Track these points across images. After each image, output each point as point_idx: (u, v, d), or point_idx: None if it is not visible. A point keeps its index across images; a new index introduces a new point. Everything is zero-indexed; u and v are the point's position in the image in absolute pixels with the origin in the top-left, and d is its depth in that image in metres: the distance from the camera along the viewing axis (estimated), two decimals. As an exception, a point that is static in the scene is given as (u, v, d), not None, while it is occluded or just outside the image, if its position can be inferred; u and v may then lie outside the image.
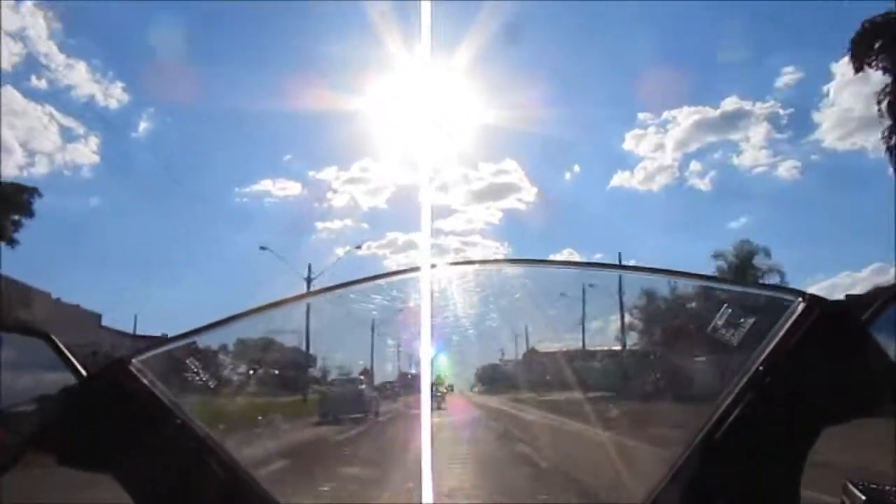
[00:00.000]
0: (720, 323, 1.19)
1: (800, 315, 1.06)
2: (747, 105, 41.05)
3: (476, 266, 1.48)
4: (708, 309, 1.27)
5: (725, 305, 1.20)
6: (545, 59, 54.47)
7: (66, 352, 1.18)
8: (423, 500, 1.16)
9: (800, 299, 1.08)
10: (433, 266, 1.36)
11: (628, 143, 46.56)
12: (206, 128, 54.36)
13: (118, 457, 1.10)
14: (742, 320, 1.16)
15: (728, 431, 1.06)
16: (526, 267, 1.55)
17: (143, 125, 44.43)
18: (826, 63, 42.47)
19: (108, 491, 1.13)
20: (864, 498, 1.09)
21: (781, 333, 1.07)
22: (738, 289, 1.26)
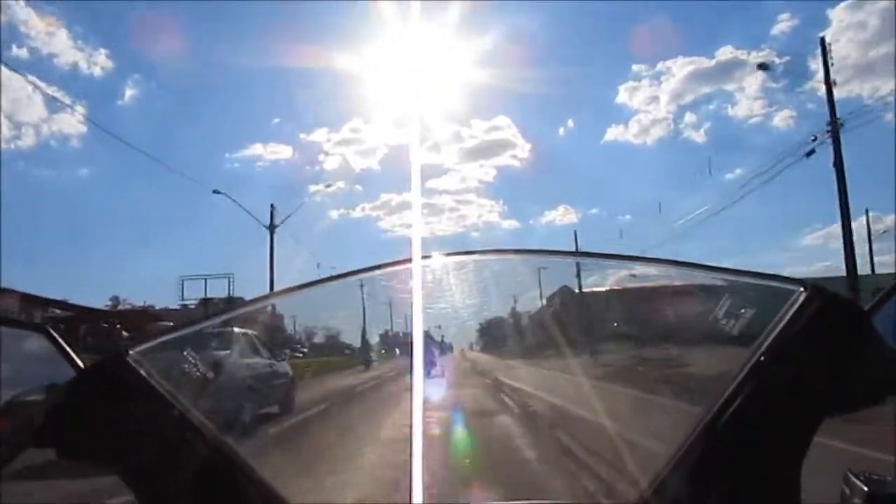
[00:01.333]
0: (721, 313, 1.19)
1: (801, 304, 1.06)
2: (742, 54, 40.89)
3: (472, 256, 1.48)
4: (709, 298, 1.27)
5: (727, 295, 1.19)
6: (536, 13, 54.19)
7: (63, 344, 1.18)
8: (414, 500, 1.16)
9: (801, 289, 1.07)
10: (426, 257, 1.35)
11: (622, 97, 46.65)
12: (193, 93, 54.16)
13: (117, 450, 1.10)
14: (743, 310, 1.16)
15: (730, 421, 1.06)
16: (525, 256, 1.55)
17: (129, 92, 44.34)
18: (822, 9, 42.31)
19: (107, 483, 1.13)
20: (865, 488, 1.09)
21: (783, 323, 1.07)
22: (740, 278, 1.25)
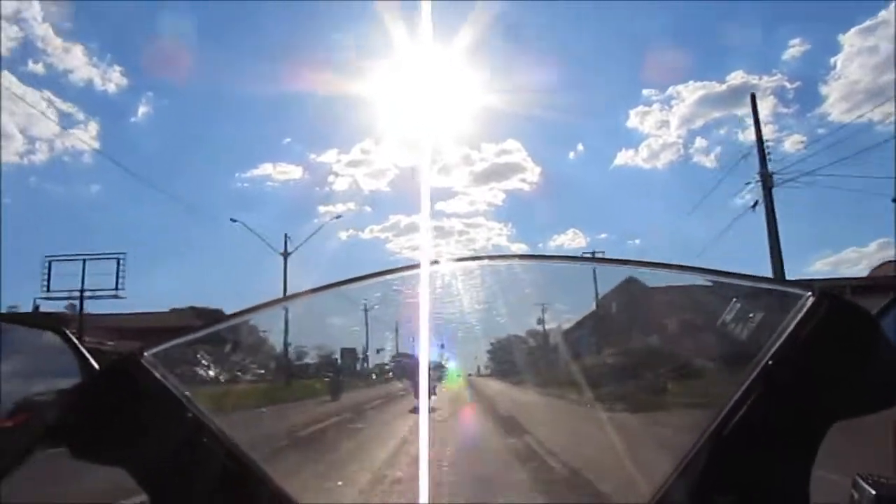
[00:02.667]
0: (729, 318, 1.19)
1: (809, 309, 1.06)
2: (753, 79, 40.93)
3: (479, 261, 1.48)
4: (716, 303, 1.27)
5: (734, 300, 1.19)
6: (547, 37, 54.41)
7: (79, 345, 1.19)
8: (420, 500, 1.16)
9: (809, 293, 1.08)
10: (434, 262, 1.36)
11: (632, 121, 46.60)
12: (205, 112, 54.45)
13: (130, 450, 1.11)
14: (751, 315, 1.16)
15: (737, 426, 1.06)
16: (532, 262, 1.55)
17: (142, 109, 44.70)
18: (834, 34, 42.20)
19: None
20: (873, 492, 1.09)
21: (791, 328, 1.07)
22: (747, 283, 1.26)
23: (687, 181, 48.45)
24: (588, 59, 56.28)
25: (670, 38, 51.82)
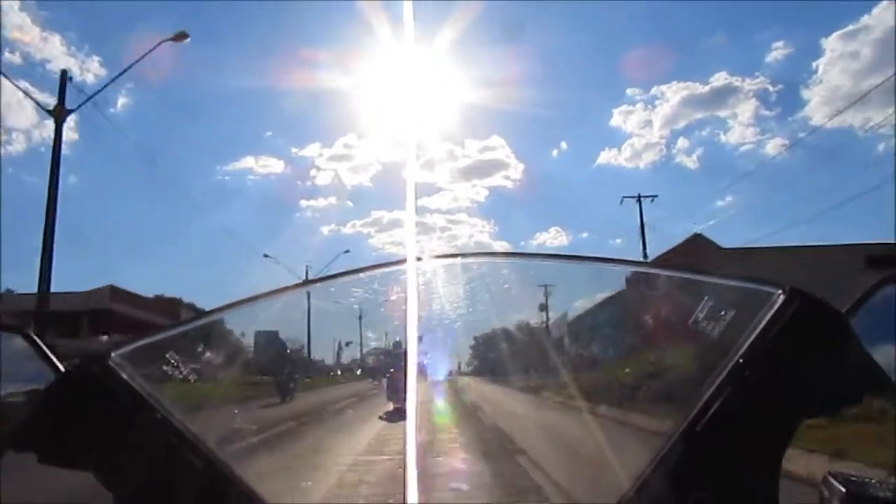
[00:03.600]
0: (701, 316, 1.20)
1: (780, 307, 1.07)
2: (736, 81, 41.75)
3: (462, 259, 1.48)
4: (689, 301, 1.28)
5: (706, 298, 1.20)
6: (532, 36, 54.62)
7: (43, 347, 1.17)
8: (408, 500, 1.16)
9: (780, 291, 1.09)
10: (419, 259, 1.35)
11: (616, 120, 47.10)
12: (186, 104, 53.86)
13: (97, 454, 1.09)
14: (723, 313, 1.17)
15: (709, 423, 1.07)
16: (512, 259, 1.55)
17: (121, 101, 43.98)
18: (816, 38, 42.83)
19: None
20: (843, 490, 1.10)
21: (762, 326, 1.08)
22: (719, 281, 1.27)
23: (669, 182, 48.88)
24: (573, 58, 56.83)
25: (655, 38, 52.11)
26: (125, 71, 21.74)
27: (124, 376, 1.11)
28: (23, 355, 1.16)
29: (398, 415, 10.10)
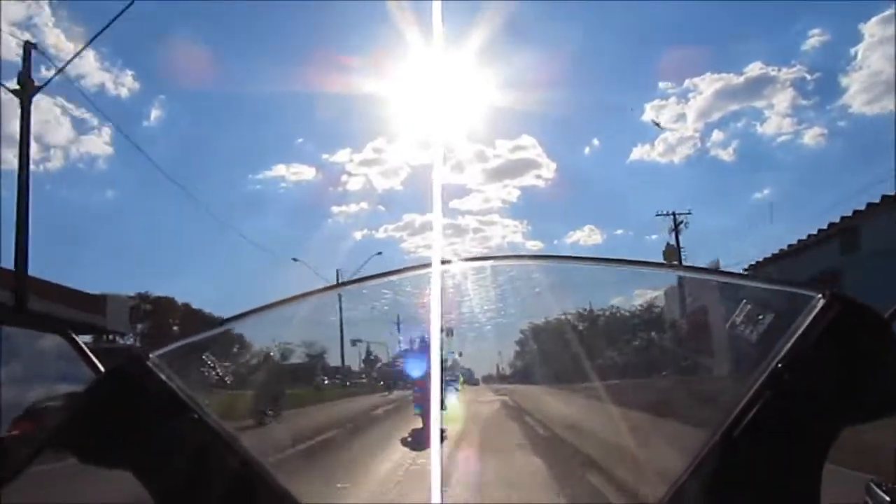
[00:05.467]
0: (739, 319, 1.18)
1: (819, 311, 1.05)
2: (772, 70, 40.58)
3: (491, 262, 1.48)
4: (727, 304, 1.26)
5: (744, 301, 1.18)
6: (561, 32, 53.68)
7: (84, 348, 1.19)
8: (433, 500, 1.16)
9: (819, 295, 1.06)
10: (447, 262, 1.35)
11: (648, 115, 45.96)
12: (217, 114, 54.57)
13: (136, 453, 1.11)
14: (761, 317, 1.15)
15: (747, 429, 1.05)
16: (544, 262, 1.54)
17: (154, 113, 45.02)
18: (854, 24, 41.57)
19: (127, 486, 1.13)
20: (888, 499, 1.07)
21: (801, 330, 1.06)
22: (758, 284, 1.25)
23: (705, 175, 48.08)
24: (603, 53, 55.93)
25: (687, 30, 51.42)
26: (96, 37, 20.93)
27: (163, 377, 1.13)
28: (64, 355, 1.19)
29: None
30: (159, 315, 48.16)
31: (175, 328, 47.58)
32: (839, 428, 1.05)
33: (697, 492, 1.07)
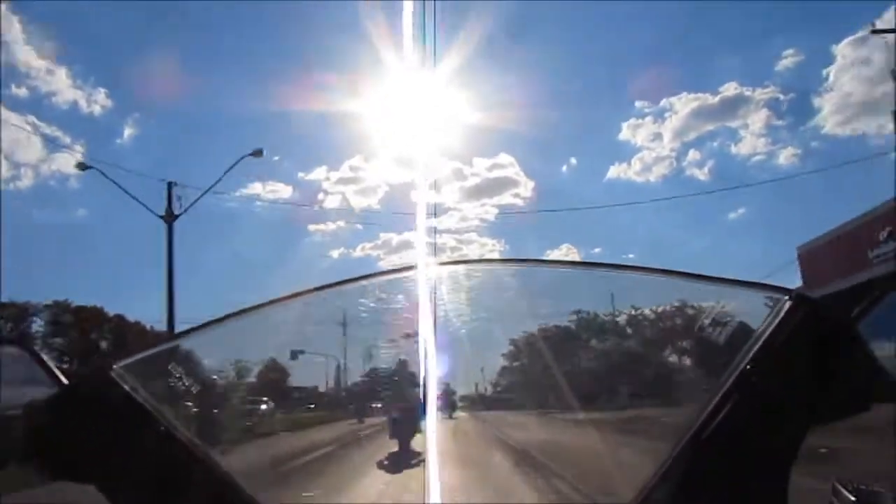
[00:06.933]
0: (707, 321, 1.19)
1: (786, 313, 1.06)
2: (747, 91, 41.35)
3: (470, 265, 1.47)
4: (695, 306, 1.27)
5: (713, 304, 1.19)
6: (537, 51, 54.24)
7: (43, 357, 1.16)
8: (430, 500, 1.15)
9: (786, 297, 1.08)
10: (430, 265, 1.35)
11: (625, 133, 46.63)
12: (192, 131, 53.98)
13: (100, 466, 1.08)
14: (729, 319, 1.16)
15: (716, 430, 1.06)
16: (519, 266, 1.55)
17: (127, 131, 44.31)
18: (827, 45, 42.54)
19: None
20: (853, 498, 1.09)
21: (768, 332, 1.06)
22: (727, 287, 1.26)
23: (681, 194, 48.82)
24: (580, 72, 56.31)
25: (663, 51, 52.10)
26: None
27: (126, 388, 1.10)
28: (23, 366, 1.16)
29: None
30: (82, 328, 45.20)
31: (102, 344, 45.44)
32: (807, 428, 1.06)
33: (667, 494, 1.07)
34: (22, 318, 41.80)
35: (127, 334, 42.05)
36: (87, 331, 44.86)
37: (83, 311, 44.09)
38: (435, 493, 1.17)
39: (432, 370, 1.39)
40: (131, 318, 43.19)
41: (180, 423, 1.13)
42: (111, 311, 44.87)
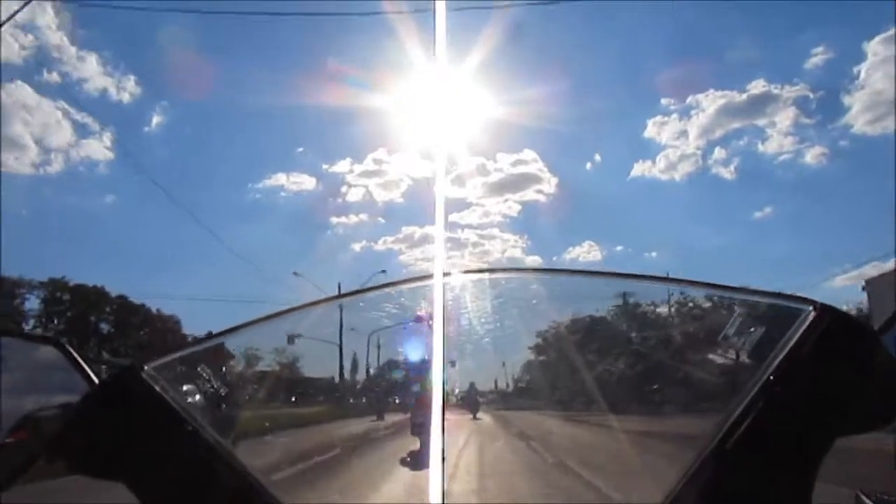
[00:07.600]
0: (731, 332, 1.19)
1: (811, 324, 1.06)
2: (775, 88, 40.68)
3: (491, 274, 1.48)
4: (719, 317, 1.27)
5: (736, 313, 1.19)
6: (563, 47, 54.11)
7: (77, 357, 1.19)
8: (431, 500, 1.16)
9: (811, 308, 1.07)
10: (447, 274, 1.36)
11: (650, 131, 45.96)
12: (218, 121, 54.62)
13: (129, 464, 1.10)
14: (753, 329, 1.16)
15: (739, 440, 1.06)
16: (540, 275, 1.55)
17: (156, 119, 44.90)
18: (858, 42, 41.77)
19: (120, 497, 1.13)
20: None
21: (793, 342, 1.06)
22: (750, 297, 1.26)
23: (706, 193, 48.20)
24: (606, 69, 55.99)
25: (690, 47, 51.55)
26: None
27: (157, 388, 1.13)
28: (58, 366, 1.18)
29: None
30: (79, 307, 43.91)
31: (102, 324, 44.47)
32: (831, 440, 1.05)
33: (691, 502, 1.07)
34: (11, 294, 40.68)
35: (130, 316, 41.77)
36: (86, 311, 43.89)
37: (82, 289, 43.08)
38: (435, 493, 1.17)
39: (438, 370, 1.39)
40: (150, 306, 43.20)
41: (208, 423, 1.15)
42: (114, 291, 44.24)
